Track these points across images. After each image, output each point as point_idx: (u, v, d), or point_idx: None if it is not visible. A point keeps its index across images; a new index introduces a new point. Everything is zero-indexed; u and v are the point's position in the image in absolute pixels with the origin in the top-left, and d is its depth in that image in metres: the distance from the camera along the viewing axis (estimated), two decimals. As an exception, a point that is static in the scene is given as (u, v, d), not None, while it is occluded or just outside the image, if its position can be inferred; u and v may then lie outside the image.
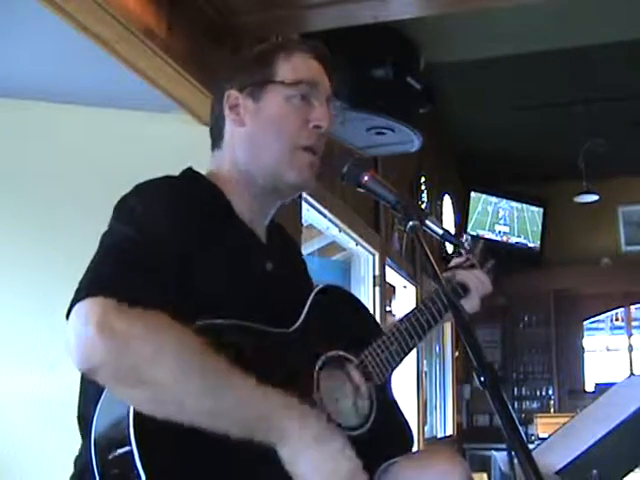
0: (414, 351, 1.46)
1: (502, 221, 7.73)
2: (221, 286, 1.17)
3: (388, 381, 1.37)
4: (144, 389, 1.00)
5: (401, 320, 1.43)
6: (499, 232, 7.69)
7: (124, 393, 1.02)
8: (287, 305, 1.26)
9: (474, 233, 7.42)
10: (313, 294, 1.31)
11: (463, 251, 1.58)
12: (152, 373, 1.00)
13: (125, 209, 1.18)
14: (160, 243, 1.13)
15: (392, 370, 1.37)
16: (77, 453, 1.19)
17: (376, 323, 1.48)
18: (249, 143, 1.32)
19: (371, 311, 1.52)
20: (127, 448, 0.98)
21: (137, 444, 0.97)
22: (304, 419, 1.07)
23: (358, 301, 1.47)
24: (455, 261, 1.64)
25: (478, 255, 1.63)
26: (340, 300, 1.40)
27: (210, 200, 1.29)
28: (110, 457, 1.02)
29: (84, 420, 1.14)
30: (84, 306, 1.02)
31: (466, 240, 1.51)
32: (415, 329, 1.43)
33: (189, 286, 1.12)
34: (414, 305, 1.51)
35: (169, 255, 1.12)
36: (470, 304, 1.56)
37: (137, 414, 0.99)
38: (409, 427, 1.39)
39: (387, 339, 1.37)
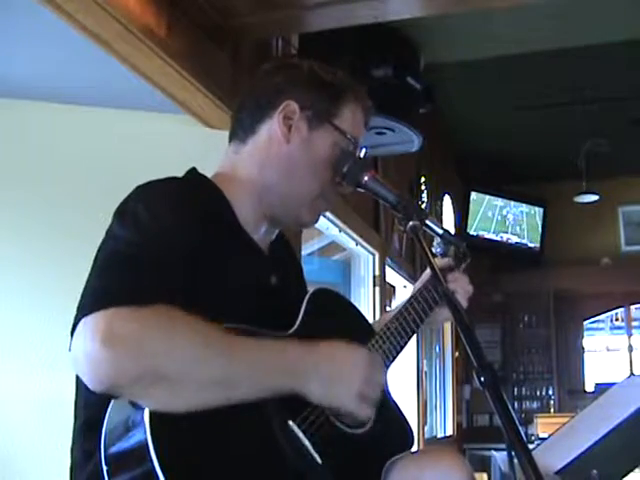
0: (414, 351, 1.47)
1: (503, 221, 7.72)
2: (222, 298, 1.16)
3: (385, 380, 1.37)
4: (166, 384, 0.99)
5: (391, 320, 1.44)
6: (499, 232, 7.69)
7: (146, 394, 0.99)
8: (289, 316, 1.27)
9: (474, 233, 7.42)
10: (306, 299, 1.31)
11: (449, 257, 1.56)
12: (170, 365, 0.99)
13: (128, 213, 1.14)
14: (167, 248, 1.10)
15: (387, 369, 1.38)
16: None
17: (367, 323, 1.49)
18: (285, 165, 1.31)
19: (369, 311, 1.53)
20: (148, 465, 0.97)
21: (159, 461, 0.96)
22: (311, 352, 1.14)
23: (348, 302, 1.48)
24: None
25: (453, 257, 1.60)
26: (332, 302, 1.41)
27: (215, 207, 1.26)
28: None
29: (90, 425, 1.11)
30: (88, 323, 0.98)
31: (438, 244, 1.50)
32: (405, 328, 1.44)
33: (193, 292, 1.10)
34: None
35: (176, 261, 1.09)
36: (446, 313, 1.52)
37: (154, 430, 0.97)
38: (409, 425, 1.40)
39: (379, 338, 1.39)
